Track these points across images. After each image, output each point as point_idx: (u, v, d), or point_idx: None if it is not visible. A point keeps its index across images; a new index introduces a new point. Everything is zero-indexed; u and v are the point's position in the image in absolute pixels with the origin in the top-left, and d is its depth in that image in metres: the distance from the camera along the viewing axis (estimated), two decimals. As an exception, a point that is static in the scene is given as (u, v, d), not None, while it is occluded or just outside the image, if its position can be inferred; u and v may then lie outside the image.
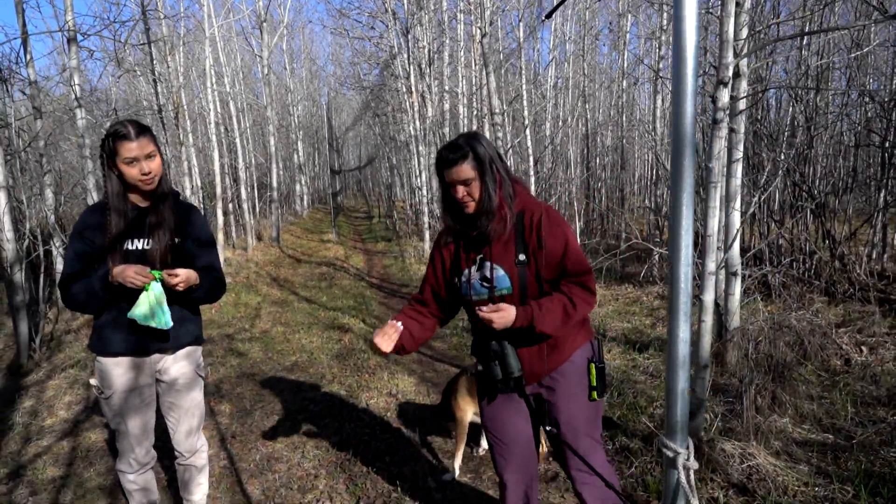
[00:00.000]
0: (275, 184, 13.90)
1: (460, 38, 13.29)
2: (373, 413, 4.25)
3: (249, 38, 15.41)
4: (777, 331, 4.62)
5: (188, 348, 2.52)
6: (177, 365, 2.50)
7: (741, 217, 4.16)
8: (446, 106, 13.64)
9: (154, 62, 9.87)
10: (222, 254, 9.96)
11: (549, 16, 1.34)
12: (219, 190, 10.02)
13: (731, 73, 2.67)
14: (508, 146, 6.05)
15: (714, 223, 2.87)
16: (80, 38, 6.35)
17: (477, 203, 2.07)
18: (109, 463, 3.60)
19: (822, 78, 6.78)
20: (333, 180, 16.57)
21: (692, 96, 0.87)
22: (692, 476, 1.22)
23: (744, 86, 3.88)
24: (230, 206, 13.11)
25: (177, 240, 2.45)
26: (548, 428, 2.15)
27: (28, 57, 6.64)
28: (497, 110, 5.83)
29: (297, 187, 24.99)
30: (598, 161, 12.98)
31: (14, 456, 3.73)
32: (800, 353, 4.62)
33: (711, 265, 2.93)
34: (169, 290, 2.29)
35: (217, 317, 7.23)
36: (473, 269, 2.15)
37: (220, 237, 9.95)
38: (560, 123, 13.08)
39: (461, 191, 2.06)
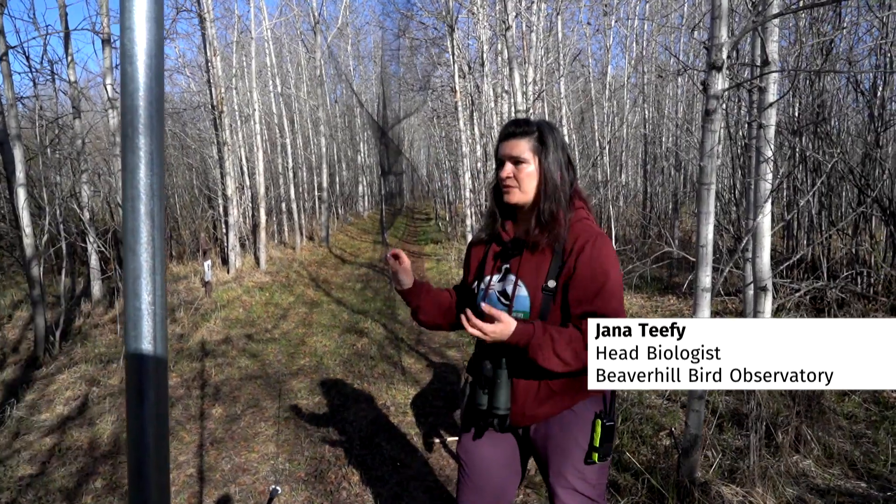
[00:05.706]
0: (324, 184, 14.01)
1: (520, 38, 12.85)
2: (359, 426, 4.01)
3: (304, 39, 15.59)
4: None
5: None
6: None
7: (795, 225, 3.64)
8: (504, 107, 13.26)
9: (209, 63, 10.12)
10: (264, 252, 10.04)
11: None
12: (261, 189, 10.12)
13: (724, 54, 2.26)
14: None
15: (707, 231, 2.45)
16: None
17: (521, 193, 1.74)
18: (82, 464, 3.54)
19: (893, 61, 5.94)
20: (384, 182, 16.57)
21: (146, 97, 0.67)
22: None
23: (773, 75, 3.38)
24: (282, 205, 13.28)
25: None
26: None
27: (69, 58, 6.86)
28: (521, 107, 5.48)
29: (360, 188, 25.25)
30: (655, 164, 12.24)
31: (-1, 451, 3.75)
32: (845, 382, 4.03)
33: (705, 280, 2.51)
34: None
35: (243, 316, 7.23)
36: (496, 277, 1.81)
37: (263, 236, 10.04)
38: (618, 123, 12.45)
39: (508, 168, 1.73)
